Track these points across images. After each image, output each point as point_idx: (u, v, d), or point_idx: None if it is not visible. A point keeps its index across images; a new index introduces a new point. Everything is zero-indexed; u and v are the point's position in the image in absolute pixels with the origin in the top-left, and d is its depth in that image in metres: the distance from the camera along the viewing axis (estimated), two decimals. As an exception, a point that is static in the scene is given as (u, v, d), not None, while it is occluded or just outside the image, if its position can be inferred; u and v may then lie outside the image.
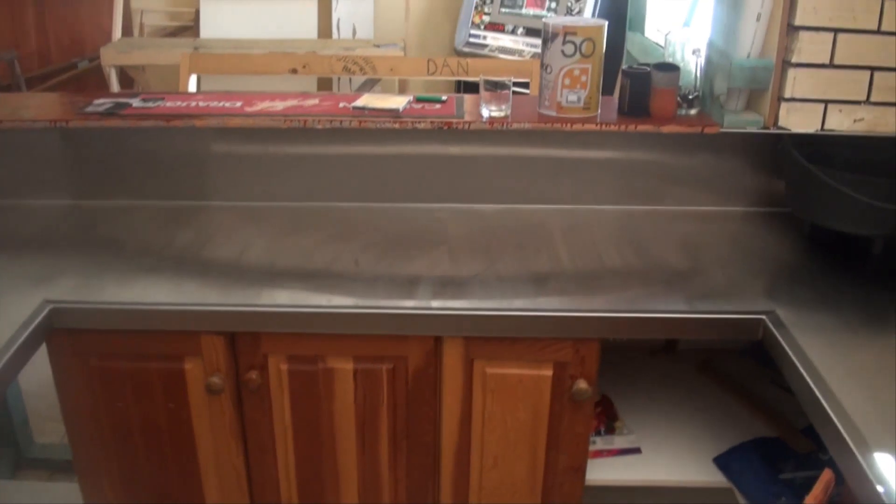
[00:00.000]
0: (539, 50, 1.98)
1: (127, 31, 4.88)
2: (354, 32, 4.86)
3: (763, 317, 1.55)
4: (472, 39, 4.51)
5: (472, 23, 4.52)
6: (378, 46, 4.30)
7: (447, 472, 1.76)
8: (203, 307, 1.58)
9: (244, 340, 1.63)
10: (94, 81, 5.10)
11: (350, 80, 4.59)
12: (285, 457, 1.75)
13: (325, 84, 4.55)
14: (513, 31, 4.38)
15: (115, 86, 4.38)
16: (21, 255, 1.78)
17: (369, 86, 4.48)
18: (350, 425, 1.70)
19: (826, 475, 1.31)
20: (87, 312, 1.59)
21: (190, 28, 5.03)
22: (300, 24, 4.69)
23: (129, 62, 4.37)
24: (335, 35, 4.75)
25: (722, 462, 1.81)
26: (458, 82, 4.36)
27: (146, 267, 1.73)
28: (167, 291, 1.62)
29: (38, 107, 2.10)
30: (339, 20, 4.74)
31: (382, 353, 1.64)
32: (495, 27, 4.44)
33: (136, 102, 2.09)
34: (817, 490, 1.30)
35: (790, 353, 1.43)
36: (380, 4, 4.96)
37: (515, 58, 4.19)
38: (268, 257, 1.78)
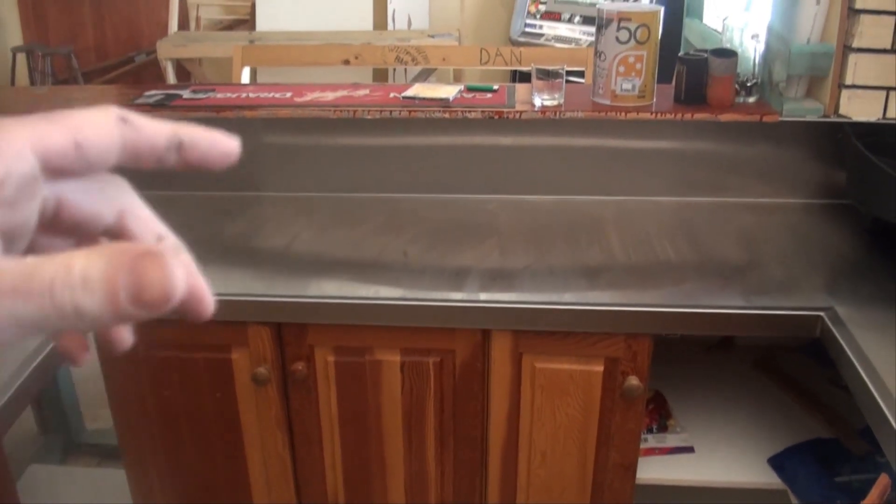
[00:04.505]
0: (594, 39, 1.94)
1: (183, 24, 4.93)
2: (409, 23, 4.85)
3: (821, 313, 1.49)
4: (527, 29, 4.47)
5: (528, 12, 4.48)
6: (432, 37, 4.28)
7: (495, 467, 1.74)
8: (250, 297, 1.58)
9: (291, 331, 1.62)
10: (151, 75, 5.16)
11: (405, 71, 4.57)
12: (331, 449, 1.74)
13: (380, 76, 4.54)
14: (569, 20, 4.33)
15: (171, 79, 4.42)
16: (71, 245, 1.79)
17: (424, 77, 4.47)
18: (396, 418, 1.69)
19: (882, 480, 1.26)
20: (134, 302, 1.58)
21: (246, 21, 5.05)
22: (355, 16, 4.69)
23: (186, 55, 4.42)
24: (390, 26, 4.74)
25: (776, 463, 1.76)
26: (514, 72, 4.33)
27: (194, 257, 1.72)
28: (215, 281, 1.58)
29: (91, 99, 2.11)
30: (394, 11, 4.73)
31: (430, 345, 1.61)
32: (551, 16, 4.39)
33: (186, 94, 2.09)
34: (873, 495, 1.25)
35: (848, 351, 1.38)
36: (435, -6, 4.94)
37: (572, 46, 4.14)
38: (316, 248, 1.77)
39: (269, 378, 1.65)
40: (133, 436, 1.76)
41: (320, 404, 1.69)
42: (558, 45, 4.27)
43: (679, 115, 1.89)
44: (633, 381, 1.58)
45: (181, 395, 1.70)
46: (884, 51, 1.76)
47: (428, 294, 1.57)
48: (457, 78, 4.22)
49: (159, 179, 2.04)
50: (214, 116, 1.98)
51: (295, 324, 1.61)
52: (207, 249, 1.76)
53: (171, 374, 1.68)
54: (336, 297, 1.57)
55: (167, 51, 4.28)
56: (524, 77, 4.14)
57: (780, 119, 1.88)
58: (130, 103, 2.01)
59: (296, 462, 1.77)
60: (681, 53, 1.98)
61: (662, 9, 1.87)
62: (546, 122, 1.96)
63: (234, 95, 2.07)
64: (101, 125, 0.39)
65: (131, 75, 5.18)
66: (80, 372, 2.67)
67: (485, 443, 1.72)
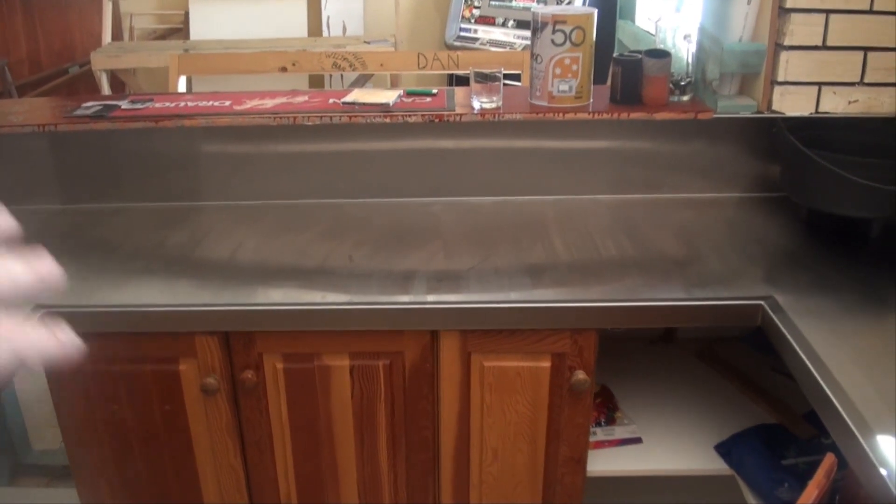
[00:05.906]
0: (530, 42, 1.96)
1: (117, 35, 4.87)
2: (344, 30, 4.85)
3: (761, 302, 1.54)
4: (462, 33, 4.50)
5: (463, 17, 4.51)
6: (368, 43, 4.29)
7: (447, 466, 1.75)
8: (196, 307, 1.57)
9: (239, 340, 1.61)
10: (85, 86, 5.08)
11: (342, 77, 4.57)
12: (283, 456, 1.74)
13: (316, 83, 4.54)
14: (503, 24, 4.37)
15: (106, 90, 4.36)
16: (12, 261, 1.76)
17: (361, 83, 4.47)
18: (348, 422, 1.69)
19: (828, 459, 1.30)
20: (79, 316, 1.57)
21: (180, 30, 5.01)
22: (290, 24, 4.68)
23: (120, 66, 4.36)
24: (325, 33, 4.74)
25: (723, 449, 1.80)
26: (451, 77, 4.35)
27: (138, 269, 1.71)
28: (160, 293, 1.61)
29: (27, 112, 2.08)
30: (328, 18, 4.73)
31: (378, 348, 1.62)
32: (486, 20, 4.43)
33: (124, 104, 2.07)
34: (820, 474, 1.29)
35: (789, 337, 1.42)
36: (369, 1, 4.94)
37: (506, 50, 4.17)
38: (261, 256, 1.77)
39: (219, 387, 1.64)
40: (83, 452, 1.74)
41: (271, 412, 1.69)
42: (493, 48, 4.31)
43: (615, 115, 1.93)
44: (580, 375, 1.61)
45: (130, 408, 1.69)
46: (814, 47, 1.81)
47: (375, 297, 1.58)
48: (394, 84, 4.23)
49: (99, 192, 2.02)
50: (153, 126, 1.97)
51: (243, 332, 1.61)
52: (151, 260, 1.75)
53: (119, 388, 1.67)
54: (283, 304, 1.57)
55: (101, 62, 4.23)
56: (460, 82, 4.17)
57: (715, 116, 1.92)
58: (68, 115, 1.99)
59: (248, 470, 1.76)
60: (616, 54, 2.02)
61: (596, 11, 1.91)
62: (486, 124, 1.98)
63: (173, 105, 2.06)
64: None
65: (65, 87, 5.10)
66: (26, 392, 2.63)
67: (436, 443, 1.73)
